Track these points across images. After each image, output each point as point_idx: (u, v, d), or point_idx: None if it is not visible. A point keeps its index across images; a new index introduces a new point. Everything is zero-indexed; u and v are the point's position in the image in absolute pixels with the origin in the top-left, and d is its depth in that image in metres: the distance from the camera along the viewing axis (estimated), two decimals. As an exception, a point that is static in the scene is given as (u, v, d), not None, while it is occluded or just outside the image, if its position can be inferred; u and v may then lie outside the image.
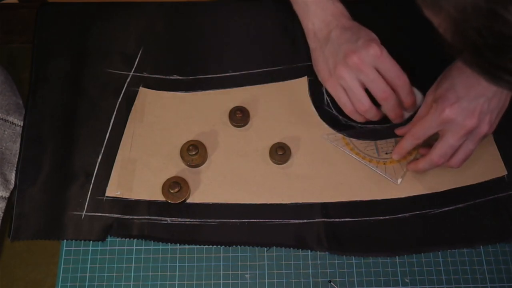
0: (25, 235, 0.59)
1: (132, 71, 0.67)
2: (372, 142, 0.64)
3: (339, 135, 0.64)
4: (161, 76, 0.67)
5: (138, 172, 0.62)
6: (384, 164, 0.62)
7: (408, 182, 0.62)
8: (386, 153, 0.63)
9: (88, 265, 0.58)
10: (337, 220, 0.60)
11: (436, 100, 0.56)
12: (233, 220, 0.60)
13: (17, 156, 0.62)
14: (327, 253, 0.58)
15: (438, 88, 0.57)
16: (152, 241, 0.59)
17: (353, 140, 0.64)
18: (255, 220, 0.60)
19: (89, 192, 0.61)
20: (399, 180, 0.61)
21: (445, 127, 0.56)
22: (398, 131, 0.62)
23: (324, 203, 0.60)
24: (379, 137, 0.64)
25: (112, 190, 0.61)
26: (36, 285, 0.57)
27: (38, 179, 0.61)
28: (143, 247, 0.59)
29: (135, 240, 0.59)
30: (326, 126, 0.65)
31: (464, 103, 0.54)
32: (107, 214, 0.60)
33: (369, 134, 0.64)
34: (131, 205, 0.60)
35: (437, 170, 0.62)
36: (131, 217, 0.60)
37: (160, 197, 0.60)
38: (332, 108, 0.66)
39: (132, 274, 0.58)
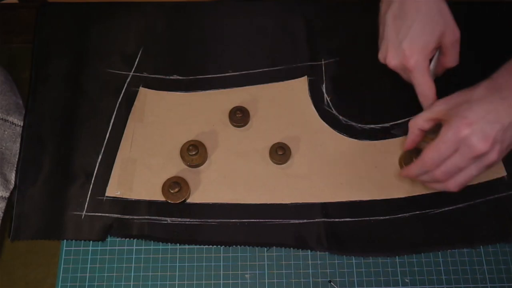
0: (25, 235, 0.59)
1: (132, 71, 0.67)
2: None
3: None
4: (161, 76, 0.67)
5: (138, 172, 0.62)
6: None
7: (408, 182, 0.62)
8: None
9: (88, 265, 0.58)
10: (337, 220, 0.60)
11: (450, 119, 0.53)
12: (233, 220, 0.60)
13: (17, 156, 0.62)
14: (327, 253, 0.58)
15: (451, 107, 0.54)
16: (152, 241, 0.59)
17: None
18: (255, 220, 0.60)
19: (89, 192, 0.61)
20: None
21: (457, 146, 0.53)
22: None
23: (324, 203, 0.60)
24: None
25: (112, 190, 0.61)
26: (36, 285, 0.57)
27: (38, 179, 0.61)
28: (143, 247, 0.59)
29: (135, 240, 0.59)
30: (326, 126, 0.65)
31: (481, 125, 0.51)
32: (107, 214, 0.60)
33: None
34: (131, 205, 0.60)
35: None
36: (131, 217, 0.60)
37: (160, 197, 0.60)
38: (332, 108, 0.66)
39: (132, 274, 0.58)
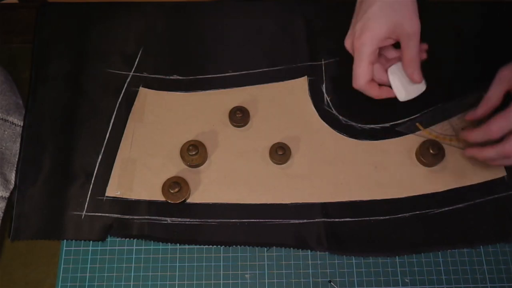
0: (25, 235, 0.59)
1: (132, 71, 0.67)
2: (446, 122, 0.64)
3: (413, 122, 0.64)
4: (161, 76, 0.67)
5: (138, 172, 0.62)
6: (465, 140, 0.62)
7: (409, 182, 0.62)
8: (462, 129, 0.63)
9: (88, 265, 0.58)
10: (337, 220, 0.60)
11: None
12: (233, 220, 0.60)
13: (17, 156, 0.62)
14: (327, 253, 0.58)
15: None
16: (152, 241, 0.59)
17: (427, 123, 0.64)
18: (255, 220, 0.60)
19: (89, 192, 0.61)
20: None
21: None
22: (469, 117, 0.61)
23: (324, 203, 0.60)
24: (450, 115, 0.64)
25: (112, 190, 0.61)
26: (36, 285, 0.57)
27: (38, 179, 0.61)
28: (143, 247, 0.59)
29: (135, 240, 0.59)
30: (326, 126, 0.65)
31: None
32: (107, 214, 0.60)
33: (439, 115, 0.64)
34: (131, 205, 0.60)
35: (437, 170, 0.62)
36: (131, 217, 0.60)
37: (160, 197, 0.60)
38: (332, 108, 0.66)
39: (132, 274, 0.58)
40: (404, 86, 0.60)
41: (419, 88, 0.61)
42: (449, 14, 0.72)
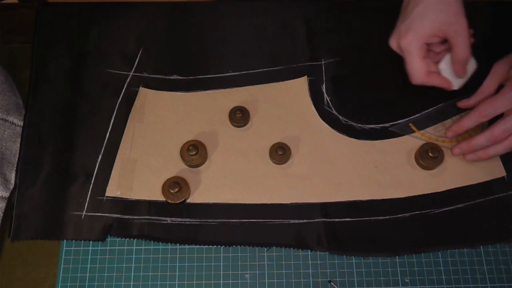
0: (25, 235, 0.59)
1: (132, 71, 0.67)
2: (439, 124, 0.64)
3: (406, 123, 0.64)
4: (161, 76, 0.67)
5: (138, 172, 0.62)
6: (457, 141, 0.63)
7: (409, 182, 0.62)
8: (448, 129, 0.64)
9: (88, 265, 0.58)
10: (337, 220, 0.60)
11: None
12: (233, 220, 0.60)
13: (17, 156, 0.62)
14: (327, 253, 0.58)
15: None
16: (152, 241, 0.59)
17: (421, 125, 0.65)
18: (255, 220, 0.60)
19: (89, 192, 0.61)
20: None
21: None
22: (462, 104, 0.64)
23: (324, 203, 0.60)
24: (445, 117, 0.65)
25: (112, 190, 0.61)
26: (36, 285, 0.57)
27: (38, 179, 0.61)
28: (143, 247, 0.59)
29: (135, 240, 0.59)
30: (326, 126, 0.65)
31: None
32: (107, 214, 0.60)
33: (433, 117, 0.65)
34: (131, 205, 0.60)
35: (437, 170, 0.62)
36: (131, 217, 0.60)
37: (160, 197, 0.60)
38: (332, 108, 0.66)
39: (132, 274, 0.58)
40: (455, 76, 0.62)
41: (469, 69, 0.62)
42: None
